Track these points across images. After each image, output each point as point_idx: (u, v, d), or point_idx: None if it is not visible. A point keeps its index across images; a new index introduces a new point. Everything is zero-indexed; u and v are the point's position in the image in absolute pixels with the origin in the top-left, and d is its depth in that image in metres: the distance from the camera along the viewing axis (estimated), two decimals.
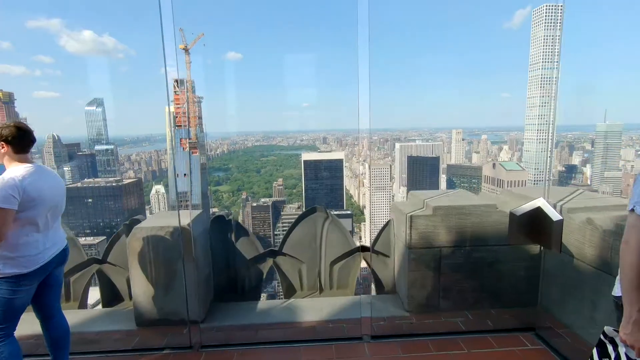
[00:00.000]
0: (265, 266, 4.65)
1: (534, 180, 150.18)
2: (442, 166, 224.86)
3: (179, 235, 3.55)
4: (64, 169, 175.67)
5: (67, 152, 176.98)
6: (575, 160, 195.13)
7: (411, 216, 3.70)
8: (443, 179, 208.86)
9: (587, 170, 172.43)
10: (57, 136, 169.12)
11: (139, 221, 4.01)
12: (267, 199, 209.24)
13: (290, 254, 4.64)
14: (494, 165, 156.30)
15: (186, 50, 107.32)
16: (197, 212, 4.02)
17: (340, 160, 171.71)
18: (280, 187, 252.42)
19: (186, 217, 3.61)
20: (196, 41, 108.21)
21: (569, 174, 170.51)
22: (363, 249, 4.73)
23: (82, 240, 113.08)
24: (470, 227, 3.72)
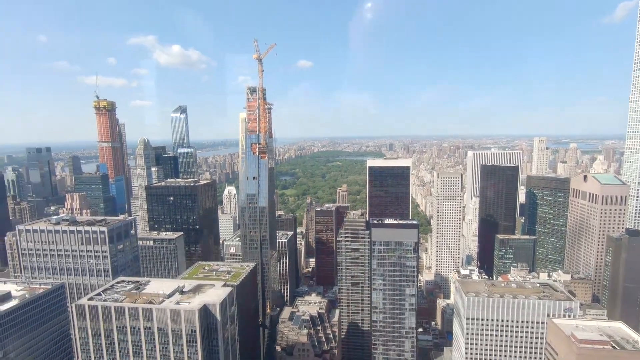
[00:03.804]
0: None
1: (637, 196, 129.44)
2: (522, 177, 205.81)
3: None
4: (152, 169, 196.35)
5: (154, 154, 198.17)
6: None
7: None
8: (522, 191, 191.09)
9: None
10: (147, 140, 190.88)
11: None
12: (331, 205, 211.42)
13: None
14: (585, 177, 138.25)
15: (259, 59, 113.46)
16: None
17: (407, 168, 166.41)
18: (344, 193, 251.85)
19: None
20: (269, 51, 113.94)
21: None
22: None
23: (163, 234, 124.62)
24: None
